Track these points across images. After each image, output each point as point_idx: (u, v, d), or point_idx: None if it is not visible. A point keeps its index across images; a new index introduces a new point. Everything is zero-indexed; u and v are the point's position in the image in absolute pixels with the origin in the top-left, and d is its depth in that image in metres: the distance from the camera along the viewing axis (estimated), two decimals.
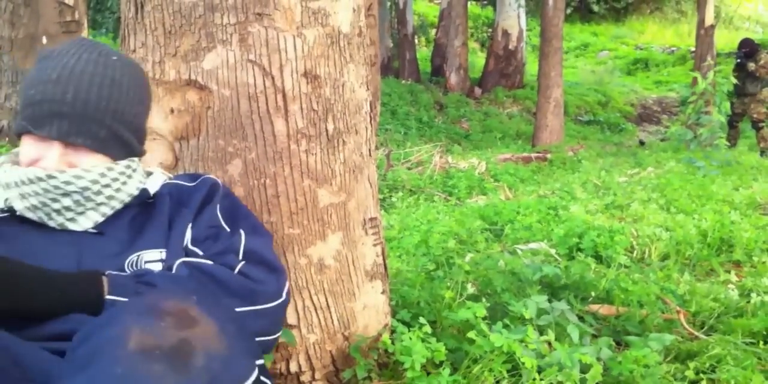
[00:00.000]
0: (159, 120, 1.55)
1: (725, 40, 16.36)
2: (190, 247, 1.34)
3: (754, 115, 8.68)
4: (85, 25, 6.67)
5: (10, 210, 1.27)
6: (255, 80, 1.51)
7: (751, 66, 8.62)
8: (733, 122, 8.90)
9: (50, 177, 1.25)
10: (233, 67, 1.50)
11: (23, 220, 1.27)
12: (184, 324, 0.94)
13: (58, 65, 1.28)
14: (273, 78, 1.49)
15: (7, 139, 6.10)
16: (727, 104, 7.94)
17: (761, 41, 17.99)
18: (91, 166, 1.29)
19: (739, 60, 8.81)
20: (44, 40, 6.20)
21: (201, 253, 1.33)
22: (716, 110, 7.59)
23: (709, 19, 11.10)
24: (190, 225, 1.35)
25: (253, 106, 1.51)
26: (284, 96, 1.52)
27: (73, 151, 1.28)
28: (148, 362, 0.87)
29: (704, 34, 11.04)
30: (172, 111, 1.55)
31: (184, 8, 1.50)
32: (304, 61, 1.53)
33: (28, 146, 1.29)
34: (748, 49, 8.78)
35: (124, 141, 1.34)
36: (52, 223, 1.27)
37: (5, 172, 1.29)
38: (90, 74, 1.28)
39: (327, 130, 1.60)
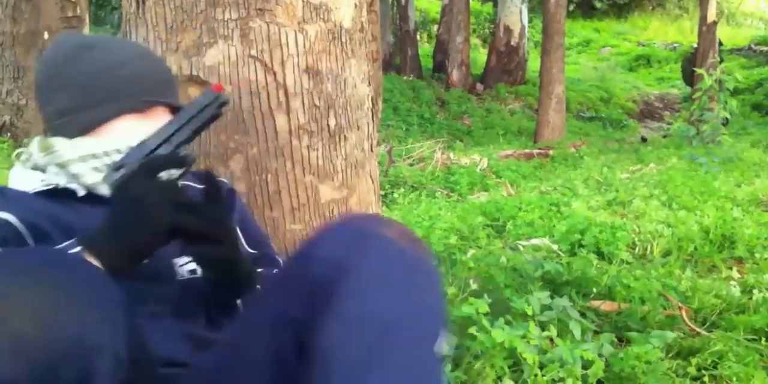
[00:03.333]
0: None
1: (728, 36, 16.32)
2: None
3: None
4: (87, 20, 6.67)
5: (62, 191, 1.21)
6: (257, 76, 1.51)
7: None
8: None
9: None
10: (235, 62, 1.50)
11: (78, 201, 1.21)
12: (392, 221, 1.08)
13: (121, 45, 1.32)
14: (275, 74, 1.49)
15: (8, 134, 6.10)
16: (734, 101, 7.91)
17: (762, 38, 18.00)
18: None
19: None
20: (45, 35, 6.19)
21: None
22: (720, 107, 7.57)
23: (712, 16, 11.06)
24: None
25: (254, 102, 1.51)
26: (286, 92, 1.52)
27: None
28: (409, 244, 1.01)
29: (706, 30, 11.00)
30: None
31: (185, 3, 1.50)
32: (305, 56, 1.52)
33: (132, 123, 1.26)
34: None
35: None
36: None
37: (72, 146, 1.22)
38: (146, 49, 1.37)
39: (329, 126, 1.59)
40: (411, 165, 6.27)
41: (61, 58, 1.27)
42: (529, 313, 2.04)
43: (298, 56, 1.52)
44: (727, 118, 8.41)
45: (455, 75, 13.50)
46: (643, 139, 10.33)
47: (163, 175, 1.06)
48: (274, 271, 1.33)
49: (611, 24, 22.89)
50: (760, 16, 23.42)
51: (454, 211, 3.95)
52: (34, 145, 1.25)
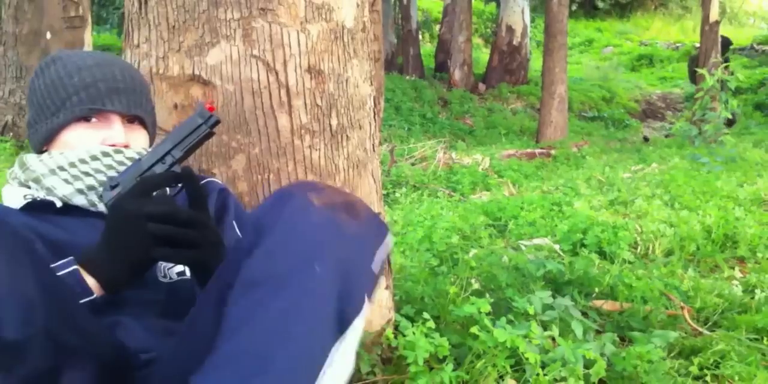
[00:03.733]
0: (163, 115, 1.55)
1: (730, 36, 16.28)
2: None
3: None
4: (89, 20, 6.69)
5: (41, 203, 1.25)
6: (259, 75, 1.51)
7: None
8: None
9: (117, 152, 1.28)
10: (237, 62, 1.50)
11: (57, 213, 1.25)
12: (341, 191, 1.12)
13: (84, 57, 1.33)
14: (277, 73, 1.49)
15: (11, 134, 6.11)
16: (734, 101, 7.89)
17: (765, 37, 17.98)
18: (144, 145, 1.35)
19: None
20: (48, 35, 6.21)
21: None
22: (722, 107, 7.56)
23: (714, 15, 11.04)
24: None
25: (256, 102, 1.51)
26: (288, 91, 1.52)
27: (128, 129, 1.33)
28: (333, 212, 1.02)
29: (709, 30, 10.98)
30: (175, 106, 1.55)
31: (187, 3, 1.50)
32: (307, 56, 1.52)
33: (81, 132, 1.30)
34: None
35: (154, 121, 1.42)
36: (101, 207, 1.26)
37: (41, 160, 1.27)
38: (115, 59, 1.37)
39: (331, 126, 1.59)
40: (413, 164, 6.27)
41: (33, 75, 1.34)
42: (531, 312, 2.04)
43: (300, 56, 1.52)
44: (732, 118, 8.40)
45: (457, 74, 13.49)
46: (646, 139, 10.32)
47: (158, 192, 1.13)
48: None
49: (614, 23, 22.87)
50: (763, 16, 23.38)
51: (456, 211, 3.95)
52: (17, 162, 1.31)
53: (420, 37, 15.86)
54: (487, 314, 1.84)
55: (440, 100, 12.51)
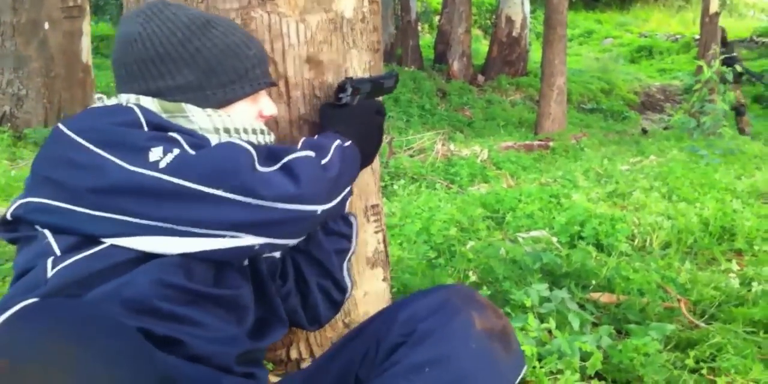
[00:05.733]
0: None
1: (730, 28, 16.26)
2: None
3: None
4: (88, 10, 6.65)
5: None
6: None
7: None
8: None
9: (268, 133, 1.35)
10: None
11: None
12: (498, 314, 1.17)
13: (231, 24, 1.33)
14: (275, 64, 1.49)
15: (8, 124, 6.09)
16: (732, 93, 7.89)
17: (765, 29, 17.95)
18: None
19: None
20: (46, 25, 6.18)
21: None
22: (720, 99, 7.56)
23: (714, 7, 11.04)
24: None
25: None
26: (287, 82, 1.51)
27: None
28: (491, 341, 1.09)
29: (709, 21, 10.98)
30: None
31: None
32: (306, 46, 1.52)
33: (246, 104, 1.30)
34: None
35: None
36: None
37: (209, 116, 1.23)
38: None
39: None
40: (411, 156, 6.26)
41: (186, 32, 1.23)
42: (528, 304, 2.04)
43: (299, 46, 1.51)
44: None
45: (456, 66, 13.46)
46: (644, 131, 10.31)
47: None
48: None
49: (613, 15, 22.81)
50: (763, 8, 23.33)
51: (454, 203, 3.95)
52: (146, 101, 1.20)
53: (419, 28, 15.81)
54: None
55: (439, 91, 12.49)
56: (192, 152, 1.07)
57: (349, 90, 1.42)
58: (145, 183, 1.02)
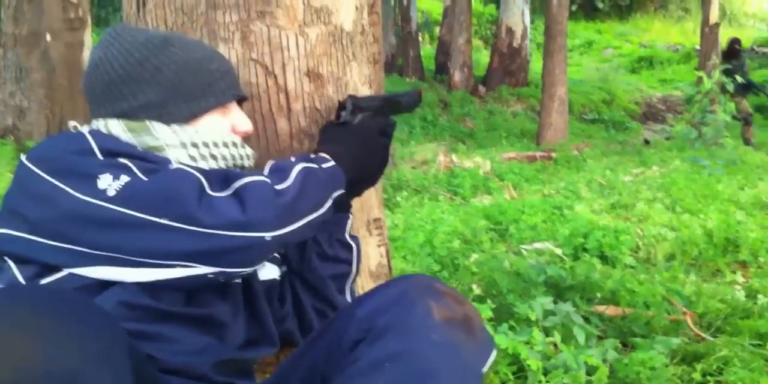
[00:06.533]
0: None
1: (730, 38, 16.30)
2: None
3: None
4: (89, 22, 6.67)
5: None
6: (257, 79, 1.49)
7: None
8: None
9: (243, 146, 1.31)
10: (235, 65, 1.48)
11: None
12: (460, 301, 1.13)
13: (194, 41, 1.33)
14: (275, 77, 1.48)
15: (11, 137, 6.09)
16: (731, 104, 7.89)
17: (765, 39, 17.99)
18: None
19: None
20: (48, 37, 6.20)
21: None
22: (721, 109, 7.55)
23: (714, 17, 11.07)
24: None
25: (255, 106, 1.50)
26: (287, 95, 1.50)
27: None
28: (452, 330, 1.05)
29: (709, 32, 11.01)
30: None
31: (185, 5, 1.48)
32: (306, 59, 1.51)
33: (216, 118, 1.28)
34: None
35: None
36: None
37: (173, 131, 1.22)
38: None
39: None
40: (414, 168, 6.26)
41: (144, 52, 1.23)
42: (533, 318, 2.02)
43: (298, 59, 1.50)
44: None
45: (457, 76, 13.49)
46: (646, 142, 10.31)
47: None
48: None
49: (613, 25, 22.88)
50: (763, 18, 23.41)
51: (457, 215, 3.94)
52: (119, 126, 1.20)
53: (420, 38, 15.87)
54: (489, 320, 1.83)
55: (440, 102, 12.50)
56: (144, 178, 1.05)
57: (350, 108, 1.37)
58: (92, 212, 1.01)
